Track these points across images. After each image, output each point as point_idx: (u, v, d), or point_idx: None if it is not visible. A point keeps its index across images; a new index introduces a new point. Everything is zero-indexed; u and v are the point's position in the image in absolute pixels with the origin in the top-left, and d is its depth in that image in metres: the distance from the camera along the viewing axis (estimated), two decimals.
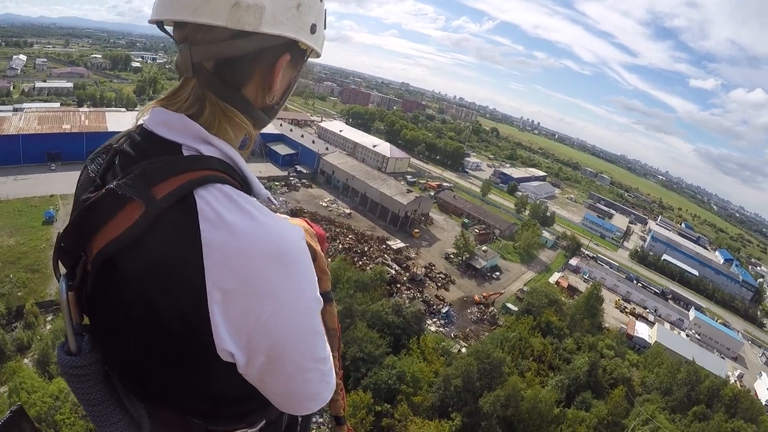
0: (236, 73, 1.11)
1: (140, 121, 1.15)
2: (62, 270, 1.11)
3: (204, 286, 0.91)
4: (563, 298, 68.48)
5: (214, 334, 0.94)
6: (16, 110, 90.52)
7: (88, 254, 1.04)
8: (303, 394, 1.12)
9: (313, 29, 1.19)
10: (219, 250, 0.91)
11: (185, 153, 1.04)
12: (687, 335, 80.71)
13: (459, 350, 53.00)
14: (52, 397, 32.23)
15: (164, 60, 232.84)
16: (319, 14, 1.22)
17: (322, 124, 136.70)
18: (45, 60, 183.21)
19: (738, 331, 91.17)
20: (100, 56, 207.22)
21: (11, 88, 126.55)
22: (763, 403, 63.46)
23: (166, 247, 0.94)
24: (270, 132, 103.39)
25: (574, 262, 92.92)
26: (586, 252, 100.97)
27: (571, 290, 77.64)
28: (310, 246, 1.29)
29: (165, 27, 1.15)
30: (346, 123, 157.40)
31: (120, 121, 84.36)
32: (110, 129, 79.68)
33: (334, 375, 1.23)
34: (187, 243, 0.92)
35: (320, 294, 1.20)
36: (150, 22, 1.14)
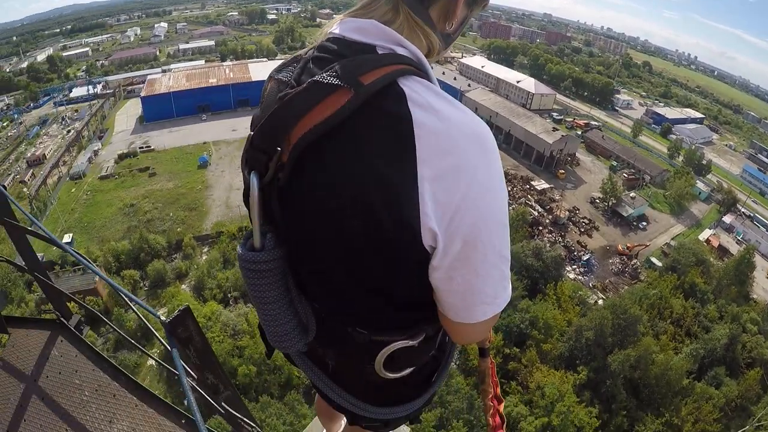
0: None
1: (329, 33, 1.20)
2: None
3: (415, 163, 0.95)
4: (712, 259, 64.56)
5: (421, 212, 0.97)
6: (164, 71, 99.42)
7: (285, 147, 1.06)
8: (484, 293, 1.13)
9: None
10: (430, 131, 0.96)
11: (380, 53, 1.08)
12: None
13: (595, 301, 52.64)
14: (205, 317, 36.63)
15: (298, 9, 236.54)
16: None
17: (463, 60, 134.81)
18: (185, 24, 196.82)
19: None
20: (236, 13, 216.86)
21: (157, 53, 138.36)
22: None
23: (376, 128, 0.98)
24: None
25: (728, 219, 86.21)
26: (743, 209, 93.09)
27: (722, 251, 72.88)
28: None
29: None
30: (488, 58, 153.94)
31: (263, 70, 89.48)
32: (254, 78, 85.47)
33: (510, 285, 1.24)
34: (401, 124, 0.96)
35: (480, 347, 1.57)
36: None
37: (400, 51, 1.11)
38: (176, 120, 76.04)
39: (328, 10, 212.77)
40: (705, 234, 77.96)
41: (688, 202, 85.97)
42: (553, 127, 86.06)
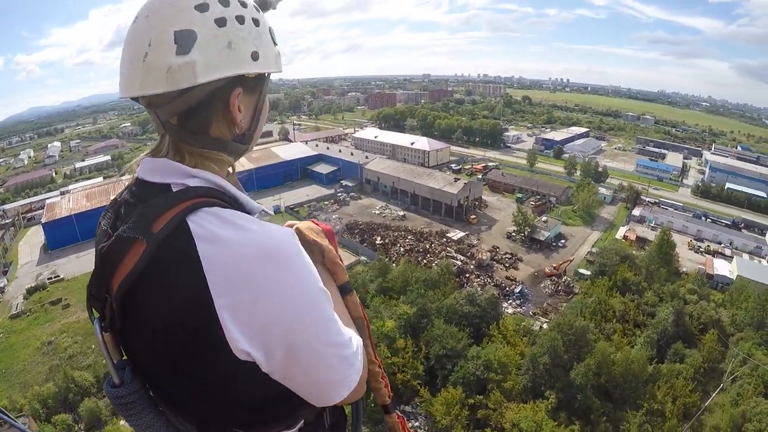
0: (197, 120, 1.24)
1: (135, 174, 1.31)
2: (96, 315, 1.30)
3: (210, 297, 1.04)
4: (634, 251, 67.46)
5: (228, 338, 1.06)
6: (63, 194, 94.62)
7: (111, 294, 1.18)
8: (328, 380, 1.23)
9: (254, 56, 1.27)
10: (217, 262, 1.05)
11: (174, 189, 1.19)
12: None
13: (540, 327, 52.92)
14: None
15: None
16: (259, 38, 1.30)
17: (356, 135, 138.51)
18: (79, 141, 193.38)
19: None
20: (129, 124, 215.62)
21: (54, 175, 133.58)
22: None
23: (170, 271, 1.07)
24: (307, 155, 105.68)
25: (637, 212, 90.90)
26: (647, 199, 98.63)
27: (641, 241, 76.22)
28: (316, 242, 1.57)
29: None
30: (379, 127, 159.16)
31: None
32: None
33: (360, 359, 1.33)
34: (188, 262, 1.05)
35: (339, 285, 1.58)
36: (121, 98, 1.28)
37: (193, 183, 1.20)
38: (82, 244, 71.97)
39: None
40: (621, 232, 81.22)
41: (597, 209, 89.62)
42: (455, 178, 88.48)
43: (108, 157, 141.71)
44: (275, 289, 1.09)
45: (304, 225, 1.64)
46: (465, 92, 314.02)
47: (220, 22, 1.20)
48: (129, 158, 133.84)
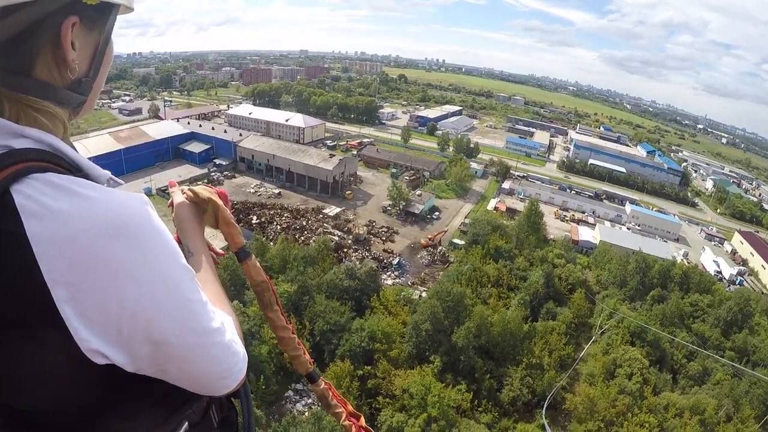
0: (17, 56, 0.94)
1: None
2: None
3: (45, 284, 0.81)
4: (505, 221, 69.77)
5: (76, 338, 0.84)
6: None
7: None
8: (210, 373, 1.03)
9: None
10: (51, 242, 0.81)
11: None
12: (628, 228, 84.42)
13: (420, 296, 53.53)
14: None
15: None
16: None
17: (230, 111, 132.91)
18: None
19: (674, 215, 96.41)
20: None
21: None
22: (712, 274, 67.72)
23: None
24: (179, 133, 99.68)
25: (506, 185, 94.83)
26: (516, 173, 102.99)
27: (510, 212, 79.19)
28: (211, 199, 1.44)
29: None
30: (254, 104, 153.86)
31: None
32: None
33: (241, 342, 1.15)
34: (15, 244, 0.80)
35: (237, 250, 1.44)
36: None
37: (20, 144, 0.92)
38: None
39: None
40: (492, 203, 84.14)
41: (469, 182, 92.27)
42: (330, 154, 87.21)
43: None
44: (129, 272, 0.88)
45: (197, 186, 1.53)
46: (342, 69, 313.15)
47: None
48: None
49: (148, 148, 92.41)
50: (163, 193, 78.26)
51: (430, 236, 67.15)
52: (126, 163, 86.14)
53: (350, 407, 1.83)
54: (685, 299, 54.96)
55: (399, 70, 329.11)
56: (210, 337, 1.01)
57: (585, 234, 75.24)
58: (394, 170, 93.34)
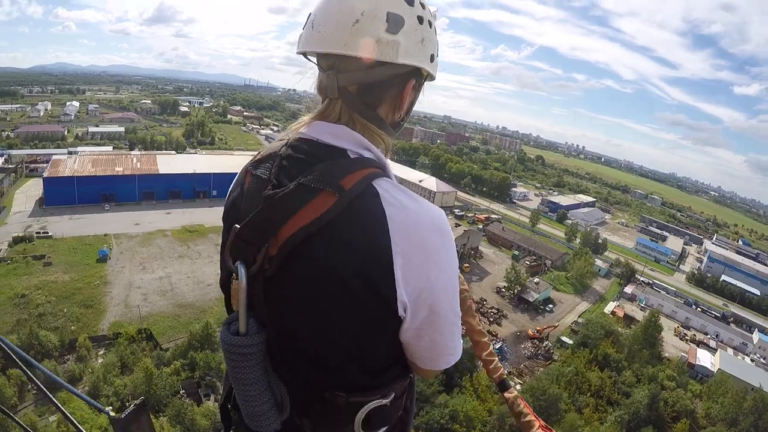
0: (374, 95, 1.35)
1: (299, 133, 1.38)
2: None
3: (391, 252, 1.15)
4: (620, 329, 67.17)
5: (397, 292, 1.19)
6: (70, 153, 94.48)
7: (272, 242, 1.21)
8: (447, 347, 1.37)
9: (432, 58, 1.42)
10: (400, 224, 1.17)
11: (351, 156, 1.29)
12: (752, 360, 77.44)
13: (515, 387, 52.60)
14: (101, 429, 33.18)
15: (210, 104, 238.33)
16: (436, 46, 1.45)
17: None
18: (97, 106, 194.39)
19: None
20: (150, 102, 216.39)
21: (65, 133, 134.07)
22: None
23: (359, 225, 1.16)
24: None
25: (629, 289, 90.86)
26: (641, 278, 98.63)
27: (628, 319, 76.01)
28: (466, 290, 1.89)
29: (309, 56, 1.40)
30: (392, 159, 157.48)
31: (170, 163, 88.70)
32: (161, 171, 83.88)
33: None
34: (377, 220, 1.16)
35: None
36: (298, 53, 1.41)
37: (367, 155, 1.31)
38: (78, 207, 70.95)
39: (239, 107, 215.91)
40: (610, 307, 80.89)
41: (590, 279, 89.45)
42: (456, 223, 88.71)
43: (122, 129, 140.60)
44: (439, 258, 1.23)
45: None
46: (481, 141, 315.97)
47: (420, 20, 1.33)
48: (142, 135, 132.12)
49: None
50: None
51: (538, 328, 65.97)
52: None
53: (541, 421, 1.85)
54: None
55: (538, 151, 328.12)
56: (457, 319, 1.36)
57: (703, 359, 69.97)
58: (516, 252, 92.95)
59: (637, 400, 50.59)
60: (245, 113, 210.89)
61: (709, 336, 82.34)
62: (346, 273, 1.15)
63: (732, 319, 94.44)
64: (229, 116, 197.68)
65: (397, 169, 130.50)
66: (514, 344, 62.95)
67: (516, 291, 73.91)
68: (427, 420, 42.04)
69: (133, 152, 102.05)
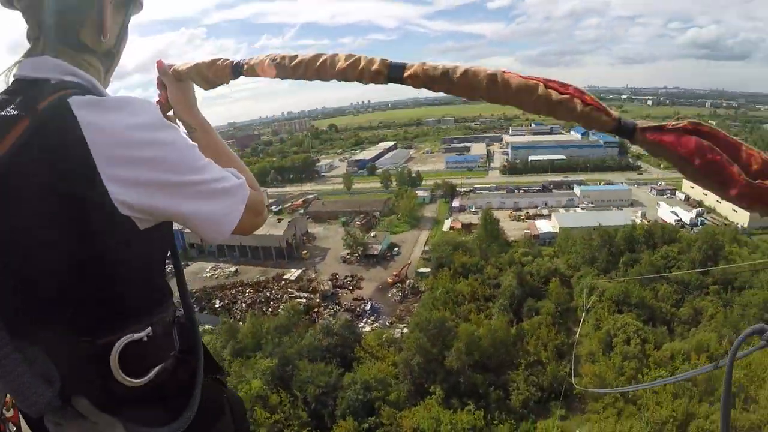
0: (70, 20, 1.29)
1: (11, 77, 1.29)
2: None
3: (91, 156, 1.08)
4: (464, 238, 70.46)
5: (112, 196, 1.10)
6: None
7: None
8: (213, 211, 1.30)
9: None
10: (99, 132, 1.10)
11: (53, 83, 1.20)
12: (582, 209, 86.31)
13: (401, 333, 52.92)
14: None
15: None
16: None
17: None
18: None
19: (622, 183, 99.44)
20: None
21: None
22: (673, 223, 69.62)
23: (53, 137, 1.08)
24: None
25: (456, 203, 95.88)
26: (463, 189, 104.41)
27: (467, 227, 79.68)
28: (192, 66, 1.68)
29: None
30: None
31: None
32: None
33: (246, 190, 1.39)
34: (69, 126, 1.08)
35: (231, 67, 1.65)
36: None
37: (69, 78, 1.24)
38: None
39: None
40: (447, 225, 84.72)
41: (419, 211, 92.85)
42: (278, 219, 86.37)
43: None
44: (152, 146, 1.16)
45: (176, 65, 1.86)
46: (272, 133, 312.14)
47: None
48: None
49: None
50: None
51: (395, 273, 66.97)
52: None
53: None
54: (655, 254, 55.97)
55: (328, 121, 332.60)
56: (212, 185, 1.27)
57: (543, 226, 76.42)
58: (343, 219, 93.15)
59: (507, 285, 53.88)
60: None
61: (539, 207, 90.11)
62: (54, 183, 1.08)
63: (552, 186, 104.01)
64: None
65: None
66: (382, 297, 63.44)
67: (360, 252, 74.12)
68: (347, 404, 41.24)
69: None
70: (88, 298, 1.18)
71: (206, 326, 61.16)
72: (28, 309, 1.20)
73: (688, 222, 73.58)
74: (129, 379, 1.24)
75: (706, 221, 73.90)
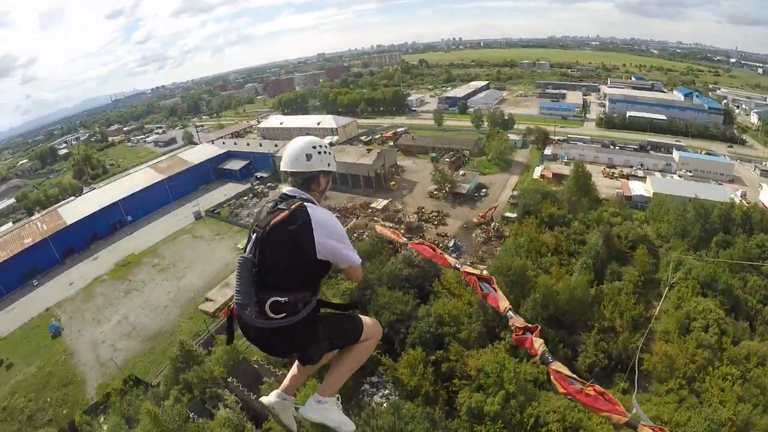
0: (309, 181, 3.56)
1: (282, 192, 3.44)
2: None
3: (312, 230, 3.11)
4: (554, 188, 68.69)
5: (316, 244, 3.13)
6: None
7: (265, 226, 3.14)
8: (345, 257, 3.34)
9: (330, 165, 3.67)
10: (314, 217, 3.14)
11: (298, 197, 3.35)
12: (680, 177, 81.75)
13: (481, 273, 53.03)
14: None
15: (86, 135, 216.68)
16: (332, 159, 3.71)
17: (261, 125, 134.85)
18: None
19: (724, 155, 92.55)
20: (27, 160, 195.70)
21: None
22: None
23: (297, 219, 3.11)
24: (216, 154, 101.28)
25: (548, 151, 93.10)
26: (556, 138, 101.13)
27: (558, 177, 77.76)
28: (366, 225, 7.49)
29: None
30: (283, 114, 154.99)
31: (75, 208, 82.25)
32: (69, 222, 76.78)
33: (357, 256, 3.49)
34: (304, 216, 3.13)
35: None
36: (282, 170, 3.67)
37: (303, 196, 3.42)
38: (5, 298, 65.58)
39: (115, 126, 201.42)
40: (537, 172, 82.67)
41: (510, 154, 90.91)
42: (367, 149, 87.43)
43: (12, 200, 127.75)
44: (332, 228, 3.21)
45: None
46: (362, 65, 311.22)
47: (320, 153, 3.59)
48: (36, 196, 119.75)
49: (189, 173, 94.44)
50: (213, 213, 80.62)
51: (481, 214, 66.73)
52: (171, 192, 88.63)
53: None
54: (750, 241, 52.20)
55: (418, 56, 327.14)
56: (346, 244, 3.32)
57: (637, 188, 73.37)
58: (433, 154, 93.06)
59: (592, 243, 52.21)
60: (124, 129, 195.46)
61: (634, 168, 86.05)
62: (293, 238, 3.03)
63: (650, 147, 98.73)
64: (110, 139, 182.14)
65: (291, 120, 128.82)
66: (466, 236, 63.58)
67: (447, 189, 74.07)
68: (418, 334, 42.12)
69: (34, 217, 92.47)
70: (288, 281, 3.13)
71: None
72: (266, 280, 3.05)
73: None
74: (274, 310, 3.10)
75: None
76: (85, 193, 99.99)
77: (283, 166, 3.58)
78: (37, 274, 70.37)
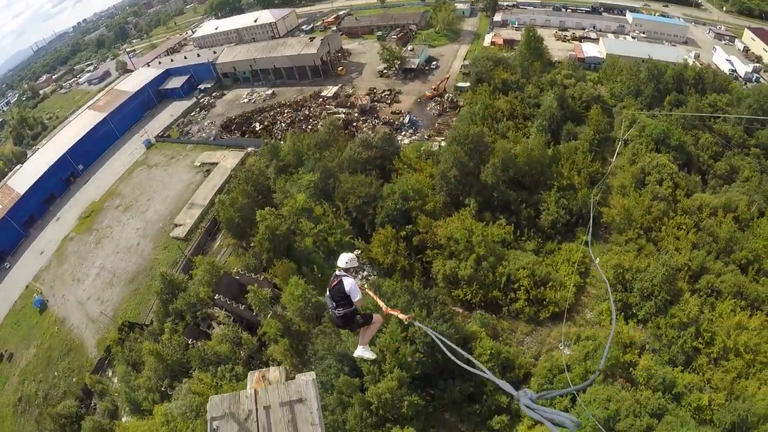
0: (347, 270, 7.90)
1: (339, 268, 7.91)
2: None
3: (346, 288, 7.43)
4: (505, 54, 67.67)
5: (352, 296, 7.44)
6: None
7: (330, 287, 7.66)
8: (358, 298, 7.58)
9: (355, 264, 8.26)
10: (347, 284, 7.47)
11: (346, 270, 7.87)
12: (633, 38, 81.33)
13: (439, 146, 53.14)
14: None
15: (16, 96, 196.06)
16: (356, 260, 8.50)
17: (196, 35, 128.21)
18: None
19: (678, 17, 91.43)
20: None
21: None
22: (727, 72, 65.16)
23: (343, 284, 7.49)
24: (154, 77, 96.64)
25: (498, 18, 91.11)
26: (506, 3, 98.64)
27: (509, 43, 76.69)
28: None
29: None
30: (217, 18, 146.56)
31: (24, 175, 77.95)
32: (22, 192, 72.64)
33: (362, 297, 7.80)
34: (346, 283, 7.49)
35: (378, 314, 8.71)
36: (337, 265, 8.00)
37: (344, 274, 7.81)
38: None
39: (44, 76, 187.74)
40: (487, 40, 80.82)
41: (458, 24, 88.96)
42: (310, 38, 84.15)
43: None
44: (353, 288, 7.41)
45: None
46: None
47: (352, 260, 8.05)
48: None
49: (130, 103, 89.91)
50: (162, 137, 78.31)
51: (433, 86, 65.87)
52: (116, 127, 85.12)
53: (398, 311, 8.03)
54: (702, 101, 52.94)
55: None
56: (359, 295, 7.52)
57: (590, 50, 72.93)
58: (379, 33, 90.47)
59: (547, 105, 52.35)
60: (53, 77, 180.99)
61: (587, 30, 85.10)
62: (343, 293, 7.40)
63: (602, 8, 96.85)
64: (41, 92, 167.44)
65: (227, 23, 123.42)
66: (420, 111, 63.01)
67: (397, 66, 72.37)
68: (386, 213, 43.87)
69: None
70: (341, 303, 7.55)
71: (249, 149, 63.37)
72: (336, 302, 7.53)
73: (742, 75, 68.07)
74: (338, 312, 7.61)
75: (761, 79, 68.28)
76: (30, 156, 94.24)
77: (339, 263, 7.75)
78: (6, 255, 67.75)
